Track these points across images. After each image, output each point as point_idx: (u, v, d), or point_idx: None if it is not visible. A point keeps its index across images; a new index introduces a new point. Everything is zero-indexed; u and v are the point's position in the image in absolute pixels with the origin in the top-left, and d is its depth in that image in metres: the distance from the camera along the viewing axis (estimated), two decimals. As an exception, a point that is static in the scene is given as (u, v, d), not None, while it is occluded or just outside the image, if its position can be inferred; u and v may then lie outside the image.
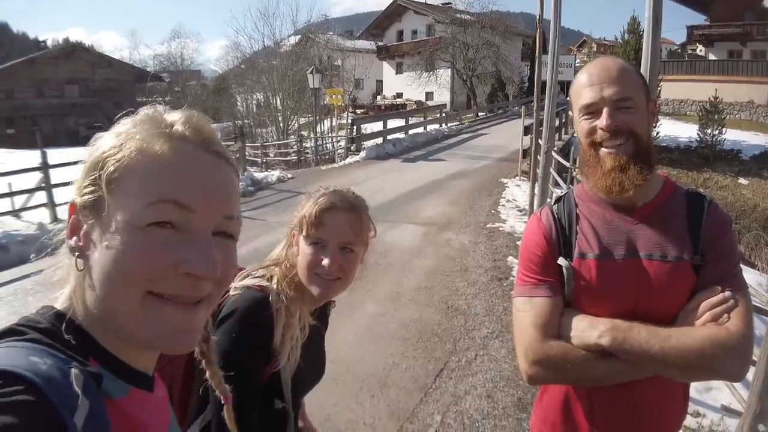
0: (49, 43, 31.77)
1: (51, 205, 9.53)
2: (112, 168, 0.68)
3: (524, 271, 1.51)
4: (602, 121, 1.39)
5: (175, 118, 0.74)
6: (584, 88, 1.43)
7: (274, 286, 1.40)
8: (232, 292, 1.39)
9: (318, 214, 1.39)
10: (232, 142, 16.97)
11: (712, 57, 32.30)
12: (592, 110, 1.41)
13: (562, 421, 1.54)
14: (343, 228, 1.40)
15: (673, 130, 24.86)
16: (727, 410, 3.63)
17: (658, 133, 22.79)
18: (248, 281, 1.42)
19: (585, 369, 1.36)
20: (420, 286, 6.27)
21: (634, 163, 1.38)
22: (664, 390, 1.44)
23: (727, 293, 1.33)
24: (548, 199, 1.71)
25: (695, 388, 3.68)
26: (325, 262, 1.38)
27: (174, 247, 0.68)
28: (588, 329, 1.35)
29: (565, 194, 1.59)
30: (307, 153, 21.75)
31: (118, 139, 0.71)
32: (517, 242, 7.99)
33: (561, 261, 1.45)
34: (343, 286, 1.44)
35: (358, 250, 1.44)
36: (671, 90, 27.69)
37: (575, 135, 1.53)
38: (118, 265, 0.66)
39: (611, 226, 1.45)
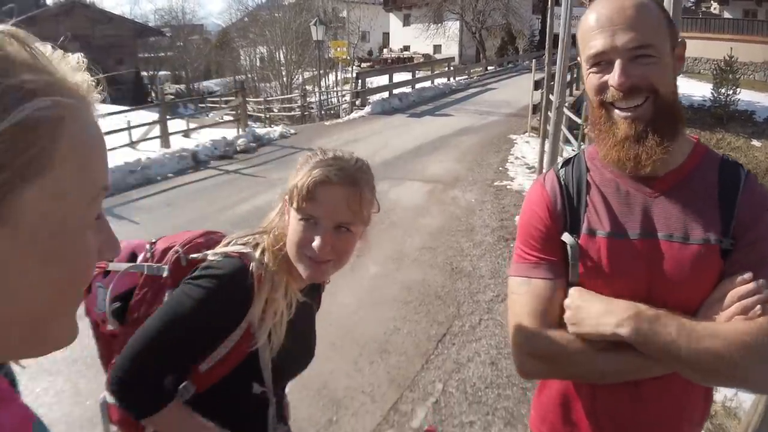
0: (49, 1, 30.87)
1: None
2: None
3: (522, 246, 1.28)
4: (614, 76, 1.11)
5: None
6: (592, 32, 1.14)
7: (257, 255, 1.23)
8: (210, 257, 1.22)
9: (311, 188, 1.17)
10: (233, 97, 16.65)
11: (726, 15, 31.29)
12: (601, 61, 1.14)
13: (561, 421, 1.33)
14: (339, 206, 1.19)
15: (687, 88, 24.12)
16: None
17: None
18: (229, 248, 1.24)
19: (589, 363, 1.15)
20: (424, 246, 6.08)
21: (653, 130, 1.12)
22: (680, 391, 1.21)
23: (762, 281, 1.08)
24: (558, 160, 1.37)
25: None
26: (316, 243, 1.18)
27: None
28: (604, 315, 1.11)
29: (574, 156, 1.33)
30: (311, 108, 21.33)
31: None
32: (525, 201, 7.75)
33: (565, 237, 1.22)
34: (336, 268, 1.26)
35: (356, 229, 1.24)
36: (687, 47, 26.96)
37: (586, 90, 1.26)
38: None
39: (627, 199, 1.20)
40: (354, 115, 17.35)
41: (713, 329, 1.06)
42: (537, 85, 13.14)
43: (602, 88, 1.15)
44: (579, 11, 10.42)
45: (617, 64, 1.11)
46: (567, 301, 1.19)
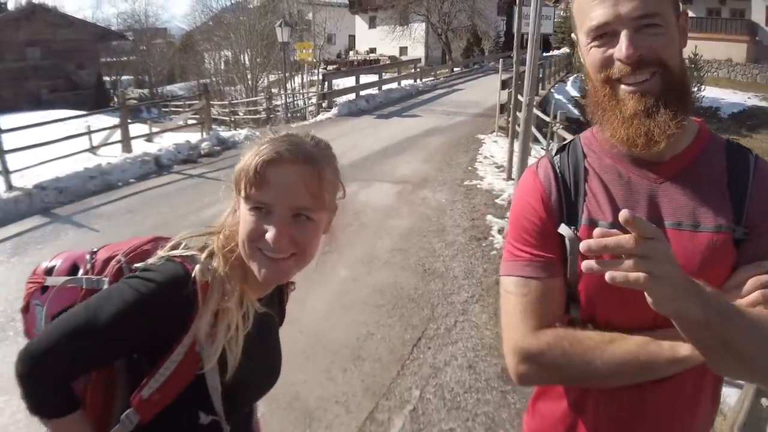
0: (10, 6, 29.91)
1: (5, 172, 8.81)
2: None
3: (515, 242, 1.14)
4: (620, 48, 1.00)
5: None
6: (592, 3, 1.03)
7: (203, 258, 1.05)
8: (150, 261, 1.05)
9: (259, 169, 0.99)
10: (197, 101, 16.28)
11: (690, 14, 32.10)
12: (604, 33, 1.02)
13: None
14: (295, 188, 1.00)
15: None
16: (726, 382, 3.40)
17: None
18: (173, 252, 1.06)
19: (593, 363, 1.00)
20: (395, 248, 5.94)
21: (665, 104, 1.01)
22: (687, 394, 1.09)
23: None
24: (552, 146, 1.21)
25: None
26: (270, 234, 0.99)
27: None
28: (690, 288, 0.87)
29: (569, 142, 1.20)
30: (277, 111, 21.06)
31: None
32: (496, 200, 7.73)
33: (563, 229, 1.08)
34: (298, 265, 1.07)
35: (318, 217, 1.06)
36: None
37: (581, 71, 1.11)
38: None
39: (630, 186, 1.08)
40: (320, 117, 17.19)
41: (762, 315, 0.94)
42: (504, 84, 13.20)
43: (606, 63, 1.03)
44: (546, 11, 10.46)
45: (623, 35, 0.99)
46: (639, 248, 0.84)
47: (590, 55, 1.06)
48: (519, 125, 7.20)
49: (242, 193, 1.02)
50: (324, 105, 18.56)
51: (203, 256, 1.06)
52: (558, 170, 1.14)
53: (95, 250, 1.21)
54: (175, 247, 1.09)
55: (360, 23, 45.15)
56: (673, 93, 1.02)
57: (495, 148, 11.61)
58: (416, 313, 4.45)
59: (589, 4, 1.03)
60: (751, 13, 29.14)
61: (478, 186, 8.55)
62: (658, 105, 1.01)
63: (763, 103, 22.35)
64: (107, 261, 1.16)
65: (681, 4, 1.07)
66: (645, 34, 0.99)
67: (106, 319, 0.98)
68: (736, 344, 0.90)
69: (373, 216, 7.10)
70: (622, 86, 1.04)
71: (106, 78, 32.15)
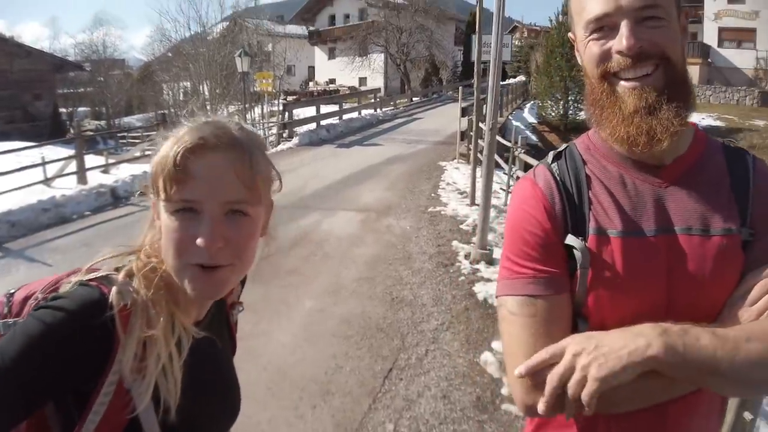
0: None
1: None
2: None
3: (515, 257, 1.04)
4: (620, 40, 0.95)
5: None
6: None
7: (121, 280, 0.88)
8: (61, 290, 0.88)
9: (180, 160, 0.84)
10: (154, 131, 15.96)
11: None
12: (603, 25, 0.97)
13: None
14: (225, 177, 0.86)
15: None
16: None
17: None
18: (88, 276, 0.90)
19: (606, 391, 0.88)
20: (361, 277, 5.82)
21: (668, 100, 0.96)
22: (705, 409, 1.04)
23: None
24: (549, 154, 1.15)
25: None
26: (202, 239, 0.84)
27: None
28: (629, 340, 0.87)
29: (565, 148, 1.13)
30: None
31: None
32: (461, 225, 7.71)
33: (571, 240, 1.00)
34: (235, 273, 0.91)
35: (254, 212, 0.91)
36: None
37: (581, 65, 1.06)
38: None
39: (635, 192, 1.02)
40: (281, 147, 17.05)
41: (749, 331, 0.89)
42: (464, 111, 13.35)
43: (605, 56, 0.99)
44: (506, 38, 10.64)
45: (623, 25, 0.95)
46: (568, 355, 0.89)
47: (588, 49, 1.01)
48: (481, 151, 7.24)
49: (161, 195, 0.86)
50: (285, 135, 18.45)
51: (120, 276, 0.89)
52: (558, 177, 1.07)
53: (12, 291, 1.02)
54: (91, 272, 0.92)
55: (319, 54, 45.45)
56: (676, 88, 0.98)
57: (457, 174, 11.68)
58: (386, 343, 4.32)
59: None
60: (704, 36, 30.34)
61: (442, 212, 8.53)
62: (660, 101, 0.96)
63: (717, 123, 23.16)
64: (24, 301, 0.98)
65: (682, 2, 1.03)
66: (646, 27, 0.95)
67: (10, 360, 0.79)
68: (723, 370, 0.86)
69: (337, 245, 6.98)
70: (622, 82, 0.99)
71: (63, 109, 31.48)
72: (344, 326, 4.62)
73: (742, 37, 29.17)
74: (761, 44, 28.84)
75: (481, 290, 5.32)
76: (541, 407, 0.91)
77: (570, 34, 1.10)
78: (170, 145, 0.86)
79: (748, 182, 1.02)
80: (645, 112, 0.96)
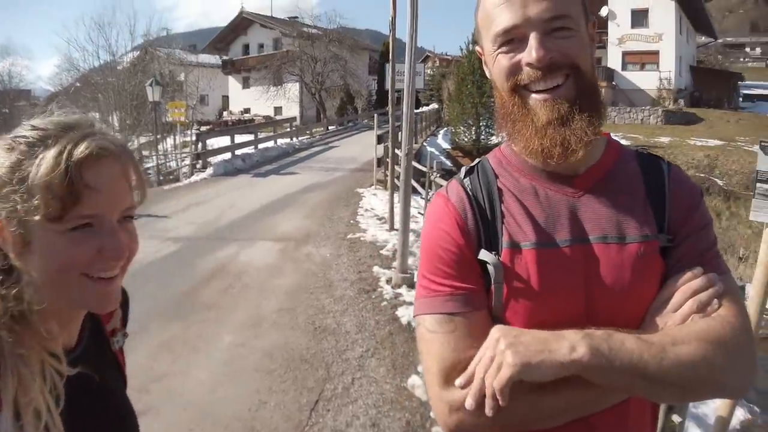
0: None
1: None
2: None
3: (431, 275, 1.03)
4: (530, 52, 0.94)
5: None
6: (497, 7, 0.97)
7: None
8: None
9: (76, 175, 0.77)
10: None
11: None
12: (512, 38, 0.97)
13: None
14: (121, 186, 0.83)
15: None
16: None
17: (503, 138, 23.93)
18: None
19: (531, 403, 0.91)
20: (282, 308, 5.69)
21: (579, 110, 0.96)
22: (633, 424, 1.03)
23: (712, 275, 0.96)
24: (462, 169, 1.15)
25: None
26: (110, 252, 0.81)
27: None
28: (552, 341, 0.87)
29: (476, 163, 1.13)
30: (149, 173, 20.10)
31: None
32: (381, 251, 7.73)
33: (484, 255, 1.00)
34: (122, 279, 0.88)
35: (134, 213, 0.89)
36: None
37: (490, 79, 1.06)
38: None
39: (548, 203, 1.02)
40: (195, 177, 16.57)
41: (674, 335, 0.90)
42: (380, 139, 13.52)
43: (515, 69, 0.98)
44: (418, 67, 10.91)
45: (532, 37, 0.94)
46: (489, 342, 0.91)
47: (497, 62, 1.01)
48: (398, 177, 7.34)
49: (51, 213, 0.76)
50: (198, 165, 17.96)
51: None
52: (471, 192, 1.06)
53: None
54: None
55: (233, 84, 44.84)
56: (587, 98, 0.98)
57: (375, 200, 11.76)
58: (311, 374, 4.22)
59: (495, 9, 0.98)
60: (607, 60, 32.23)
61: (362, 238, 8.54)
62: (572, 111, 0.96)
63: (623, 142, 24.73)
64: None
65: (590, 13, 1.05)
66: (555, 38, 0.95)
67: None
68: (650, 374, 0.86)
69: (256, 276, 6.81)
70: (533, 95, 0.98)
71: (-37, 140, 29.37)
72: (266, 360, 4.48)
73: (645, 59, 31.23)
74: (664, 65, 30.95)
75: (404, 314, 5.33)
76: (468, 401, 0.89)
77: (477, 48, 1.10)
78: (52, 161, 0.77)
79: (664, 188, 1.04)
80: (558, 124, 0.96)
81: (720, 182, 15.35)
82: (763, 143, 3.06)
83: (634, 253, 0.98)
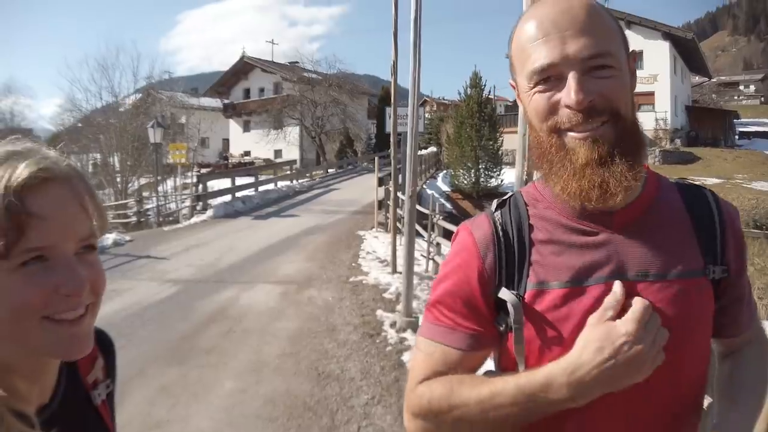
0: None
1: None
2: None
3: (439, 304, 1.02)
4: (569, 94, 0.88)
5: None
6: (533, 42, 0.92)
7: None
8: None
9: (18, 203, 0.67)
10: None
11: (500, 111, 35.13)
12: (549, 76, 0.91)
13: None
14: (75, 212, 0.74)
15: (512, 178, 26.47)
16: None
17: (502, 181, 24.14)
18: None
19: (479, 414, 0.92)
20: (284, 353, 5.56)
21: (620, 153, 0.90)
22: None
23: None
24: (493, 202, 1.11)
25: None
26: (68, 286, 0.71)
27: None
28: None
29: (509, 197, 1.07)
30: (148, 214, 20.09)
31: None
32: (384, 294, 7.65)
33: (504, 294, 0.95)
34: (94, 316, 0.78)
35: (96, 244, 0.79)
36: (510, 141, 29.60)
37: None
38: None
39: (583, 240, 0.96)
40: (195, 219, 16.55)
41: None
42: (381, 181, 13.56)
43: (553, 109, 0.92)
44: (420, 111, 11.04)
45: (571, 77, 0.89)
46: None
47: (533, 101, 0.95)
48: (400, 220, 7.30)
49: None
50: (198, 207, 17.97)
51: None
52: (499, 227, 1.01)
53: None
54: None
55: (234, 127, 45.36)
56: (628, 141, 0.92)
57: (376, 243, 11.70)
58: (314, 422, 4.07)
59: (532, 44, 0.93)
60: None
61: (364, 281, 8.45)
62: (612, 153, 0.90)
63: None
64: None
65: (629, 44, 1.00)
66: (595, 77, 0.90)
67: None
68: None
69: (257, 320, 6.68)
70: (571, 133, 0.92)
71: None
72: (269, 407, 4.33)
73: (641, 100, 31.45)
74: (660, 106, 31.27)
75: (410, 359, 5.20)
76: None
77: (510, 81, 1.05)
78: None
79: (713, 219, 0.99)
80: (597, 164, 0.90)
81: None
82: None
83: (677, 290, 0.93)
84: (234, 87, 46.17)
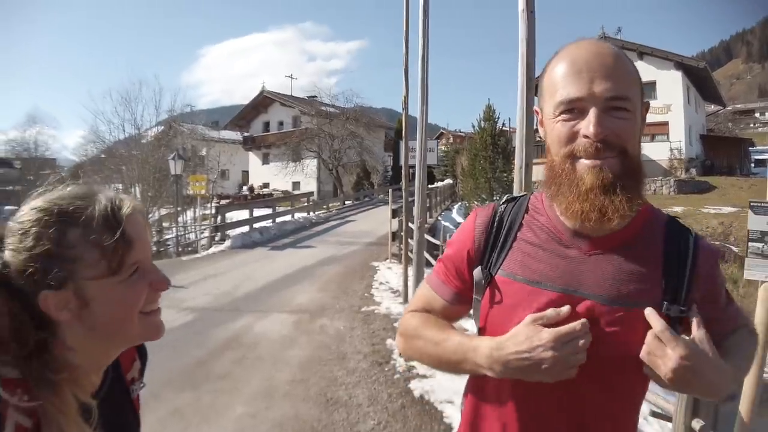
0: None
1: None
2: None
3: (441, 263, 1.33)
4: (588, 126, 1.03)
5: None
6: (566, 77, 1.07)
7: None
8: None
9: (126, 229, 0.91)
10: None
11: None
12: (573, 108, 1.06)
13: None
14: (148, 233, 1.00)
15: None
16: (656, 416, 3.36)
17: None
18: None
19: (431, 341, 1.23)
20: (295, 379, 5.69)
21: (622, 187, 1.04)
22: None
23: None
24: (506, 196, 1.44)
25: None
26: (162, 286, 0.98)
27: None
28: None
29: (521, 196, 1.27)
30: (168, 244, 20.44)
31: None
32: (395, 324, 7.72)
33: (476, 273, 1.20)
34: None
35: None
36: (539, 172, 29.52)
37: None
38: None
39: (560, 251, 1.13)
40: (213, 249, 16.81)
41: None
42: (395, 213, 13.75)
43: (572, 137, 1.07)
44: (430, 144, 11.27)
45: (592, 112, 1.04)
46: None
47: (555, 128, 1.09)
48: (412, 251, 7.45)
49: (104, 272, 0.87)
50: (217, 237, 18.26)
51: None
52: (497, 217, 1.22)
53: None
54: None
55: (253, 159, 46.11)
56: (630, 176, 1.06)
57: (390, 274, 11.83)
58: (320, 446, 4.19)
59: (564, 78, 1.07)
60: None
61: (376, 311, 8.56)
62: (615, 184, 1.04)
63: None
64: None
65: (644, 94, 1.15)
66: (612, 116, 1.04)
67: None
68: None
69: (269, 347, 6.83)
70: (582, 160, 1.06)
71: (-12, 206, 30.20)
72: (277, 431, 4.46)
73: (655, 131, 31.26)
74: (674, 135, 31.03)
75: (417, 387, 5.30)
76: None
77: (536, 107, 1.21)
78: (105, 222, 0.89)
79: (686, 263, 1.10)
80: (600, 191, 1.03)
81: (735, 249, 15.20)
82: (753, 204, 3.16)
83: (624, 317, 1.06)
84: (254, 120, 47.06)
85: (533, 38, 3.28)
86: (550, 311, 1.06)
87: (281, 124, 44.62)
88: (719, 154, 33.31)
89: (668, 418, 2.98)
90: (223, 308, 8.79)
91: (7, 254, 0.86)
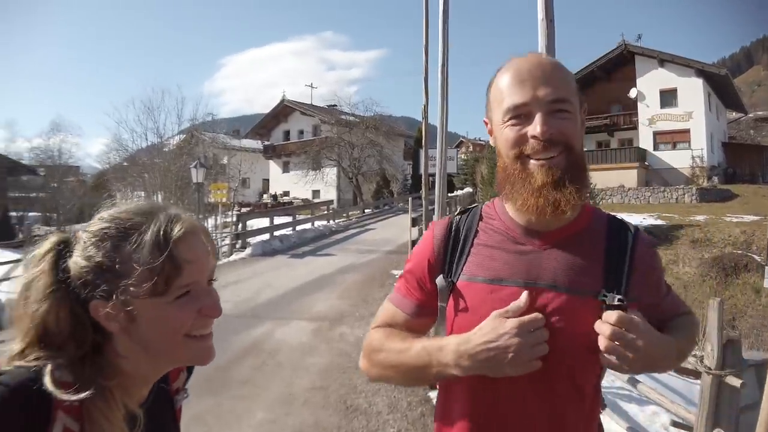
0: None
1: None
2: None
3: (402, 278, 1.37)
4: (535, 127, 1.14)
5: None
6: (511, 86, 1.18)
7: (53, 374, 0.83)
8: None
9: (177, 251, 0.90)
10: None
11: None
12: (520, 113, 1.17)
13: None
14: (207, 255, 0.97)
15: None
16: (677, 426, 3.35)
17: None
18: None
19: (395, 358, 1.25)
20: (314, 386, 5.72)
21: (570, 179, 1.15)
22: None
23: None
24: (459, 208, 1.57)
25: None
26: (214, 312, 0.96)
27: None
28: None
29: (473, 207, 1.36)
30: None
31: None
32: (414, 333, 7.71)
33: (439, 281, 1.26)
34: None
35: (214, 276, 1.03)
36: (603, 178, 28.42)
37: (494, 146, 1.28)
38: None
39: (515, 249, 1.22)
40: (234, 257, 16.95)
41: None
42: (415, 221, 13.74)
43: (520, 140, 1.17)
44: (449, 152, 11.29)
45: (538, 116, 1.14)
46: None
47: (504, 132, 1.20)
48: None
49: (150, 292, 0.88)
50: (238, 245, 18.41)
51: (50, 371, 0.84)
52: (453, 227, 1.29)
53: None
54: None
55: (274, 167, 46.46)
56: (576, 172, 1.17)
57: (409, 282, 11.80)
58: (340, 453, 4.21)
59: (510, 87, 1.18)
60: (639, 141, 31.98)
61: (396, 320, 8.55)
62: (564, 179, 1.14)
63: (659, 222, 24.09)
64: None
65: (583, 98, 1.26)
66: (556, 118, 1.15)
67: None
68: None
69: (289, 354, 6.87)
70: (532, 161, 1.16)
71: (13, 213, 30.71)
72: (297, 437, 4.49)
73: (676, 138, 30.89)
74: (695, 143, 30.53)
75: (436, 395, 5.29)
76: None
77: (485, 119, 1.30)
78: (155, 243, 0.90)
79: (625, 252, 1.20)
80: (551, 187, 1.14)
81: (758, 258, 14.86)
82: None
83: (574, 303, 1.15)
84: (274, 129, 47.42)
85: (553, 46, 3.30)
86: (513, 304, 1.13)
87: (301, 132, 44.89)
88: (741, 162, 32.75)
89: (689, 428, 2.95)
90: (243, 315, 8.86)
91: (71, 261, 0.91)
